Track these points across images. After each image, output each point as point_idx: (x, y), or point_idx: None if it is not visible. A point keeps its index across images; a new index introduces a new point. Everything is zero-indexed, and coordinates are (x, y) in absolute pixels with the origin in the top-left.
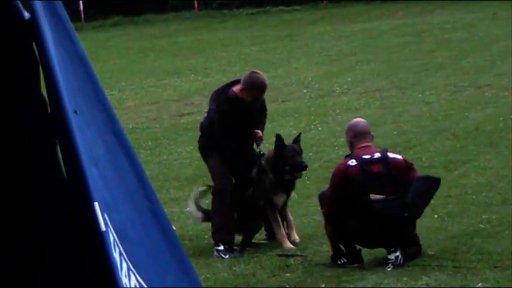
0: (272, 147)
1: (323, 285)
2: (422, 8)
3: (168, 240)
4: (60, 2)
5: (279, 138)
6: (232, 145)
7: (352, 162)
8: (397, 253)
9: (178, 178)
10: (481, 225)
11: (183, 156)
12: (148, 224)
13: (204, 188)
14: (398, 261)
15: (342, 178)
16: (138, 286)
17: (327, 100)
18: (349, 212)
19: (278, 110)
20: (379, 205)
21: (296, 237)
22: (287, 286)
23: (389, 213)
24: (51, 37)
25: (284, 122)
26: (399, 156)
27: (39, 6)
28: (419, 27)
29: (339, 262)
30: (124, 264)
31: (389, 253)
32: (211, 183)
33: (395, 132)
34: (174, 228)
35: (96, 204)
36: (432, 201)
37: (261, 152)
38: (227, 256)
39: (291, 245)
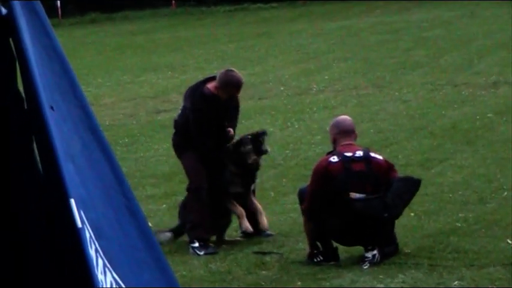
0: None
1: (299, 283)
2: (400, 6)
3: (145, 237)
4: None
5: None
6: (207, 142)
7: (334, 158)
8: (375, 251)
9: (155, 175)
10: (457, 224)
11: (160, 153)
12: (125, 221)
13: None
14: (375, 260)
15: (323, 174)
16: (114, 283)
17: (304, 98)
18: (330, 210)
19: (255, 108)
20: (359, 204)
21: (266, 225)
22: (263, 283)
23: (370, 212)
24: (28, 33)
25: (261, 120)
26: (380, 157)
27: (16, 2)
28: (396, 25)
29: (316, 260)
30: (100, 261)
31: (366, 251)
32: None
33: (372, 131)
34: (150, 225)
35: (73, 200)
36: None
37: None
38: (202, 253)
39: (249, 225)
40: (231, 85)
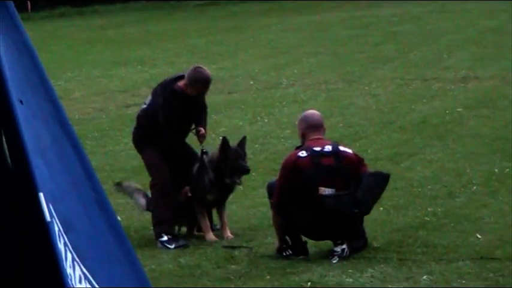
0: (215, 142)
1: (268, 277)
2: (370, 1)
3: (114, 231)
4: None
5: (224, 141)
6: (178, 140)
7: (303, 153)
8: (344, 246)
9: (124, 169)
10: (426, 218)
11: (129, 147)
12: (94, 215)
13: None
14: (345, 254)
15: (292, 169)
16: (82, 276)
17: (274, 92)
18: (299, 204)
19: (224, 102)
20: (330, 201)
21: (229, 234)
22: (232, 277)
23: (340, 209)
24: None
25: (230, 114)
26: (350, 150)
27: None
28: (366, 19)
29: (285, 254)
30: (69, 255)
31: (335, 245)
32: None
33: (341, 125)
34: (119, 219)
35: (42, 194)
36: None
37: (204, 150)
38: (173, 245)
39: (213, 237)
40: (200, 82)
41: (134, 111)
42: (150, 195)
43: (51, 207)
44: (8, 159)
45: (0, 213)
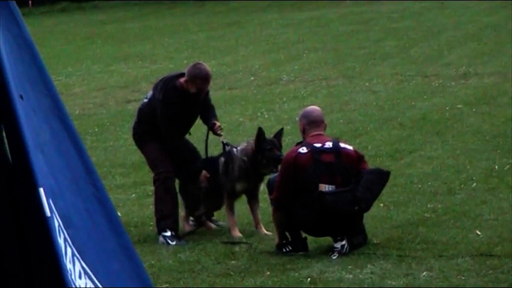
0: (226, 136)
1: (268, 273)
2: None
3: (113, 226)
4: None
5: (260, 131)
6: (176, 135)
7: (303, 149)
8: (343, 242)
9: (124, 164)
10: (426, 215)
11: (129, 142)
12: (94, 210)
13: None
14: (344, 250)
15: (292, 165)
16: (82, 272)
17: (274, 88)
18: (299, 200)
19: (225, 98)
20: (330, 198)
21: (265, 231)
22: (232, 273)
23: (340, 205)
24: None
25: (231, 110)
26: (350, 147)
27: None
28: (367, 15)
29: (284, 250)
30: (68, 250)
31: (335, 242)
32: None
33: (341, 121)
34: (119, 214)
35: (42, 190)
36: None
37: (225, 142)
38: (174, 243)
39: (239, 234)
40: (199, 78)
41: (134, 106)
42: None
43: (51, 202)
44: (8, 154)
45: (0, 208)
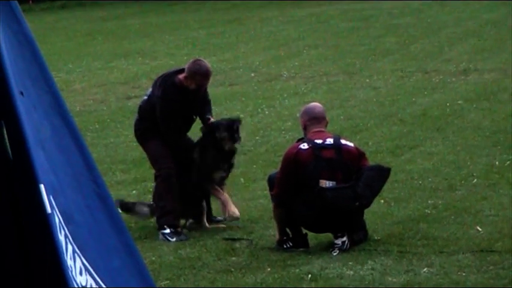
0: None
1: (268, 269)
2: None
3: (114, 223)
4: None
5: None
6: (175, 132)
7: (304, 146)
8: (344, 238)
9: (125, 161)
10: (426, 211)
11: (130, 139)
12: (94, 206)
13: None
14: (345, 246)
15: (293, 161)
16: (83, 268)
17: (274, 84)
18: (300, 196)
19: (225, 94)
20: (330, 194)
21: (235, 210)
22: (232, 270)
23: (340, 202)
24: None
25: (231, 106)
26: (351, 144)
27: None
28: (367, 12)
29: (285, 246)
30: (69, 247)
31: (336, 238)
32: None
33: (342, 117)
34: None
35: (42, 186)
36: None
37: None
38: (174, 239)
39: (236, 211)
40: (199, 74)
41: (135, 103)
42: (150, 202)
43: (51, 198)
44: (9, 150)
45: (1, 205)
